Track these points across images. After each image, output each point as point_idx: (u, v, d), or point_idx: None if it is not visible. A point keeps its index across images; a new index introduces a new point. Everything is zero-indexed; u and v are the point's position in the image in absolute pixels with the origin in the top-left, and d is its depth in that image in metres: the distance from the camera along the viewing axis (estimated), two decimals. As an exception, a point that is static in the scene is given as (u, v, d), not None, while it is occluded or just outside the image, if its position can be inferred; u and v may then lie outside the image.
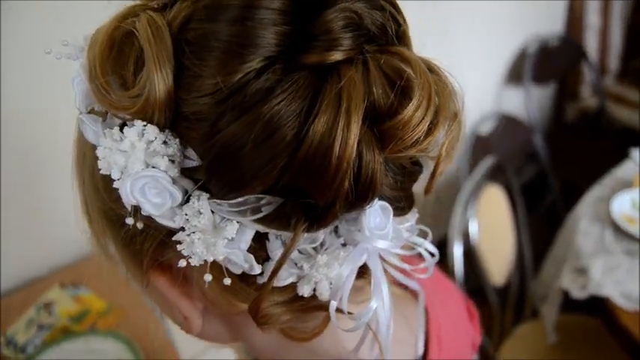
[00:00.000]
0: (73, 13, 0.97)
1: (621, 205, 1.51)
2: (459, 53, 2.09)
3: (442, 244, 1.42)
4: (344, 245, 0.36)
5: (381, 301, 0.37)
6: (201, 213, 0.33)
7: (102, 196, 0.38)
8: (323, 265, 0.35)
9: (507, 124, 2.14)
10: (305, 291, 0.36)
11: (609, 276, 1.33)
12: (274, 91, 0.30)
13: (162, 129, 0.33)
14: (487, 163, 1.55)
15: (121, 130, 0.33)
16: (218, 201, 0.33)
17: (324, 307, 0.36)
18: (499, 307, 1.61)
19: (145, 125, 0.32)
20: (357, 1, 0.32)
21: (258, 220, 0.33)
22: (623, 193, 1.55)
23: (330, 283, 0.36)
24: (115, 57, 0.34)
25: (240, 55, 0.30)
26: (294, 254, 0.35)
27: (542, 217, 2.32)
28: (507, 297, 1.67)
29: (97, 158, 0.34)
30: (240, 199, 0.32)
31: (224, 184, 0.32)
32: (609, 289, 1.30)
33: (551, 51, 2.46)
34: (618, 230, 1.45)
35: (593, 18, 2.57)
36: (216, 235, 0.33)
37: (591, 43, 2.61)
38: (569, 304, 1.47)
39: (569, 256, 1.45)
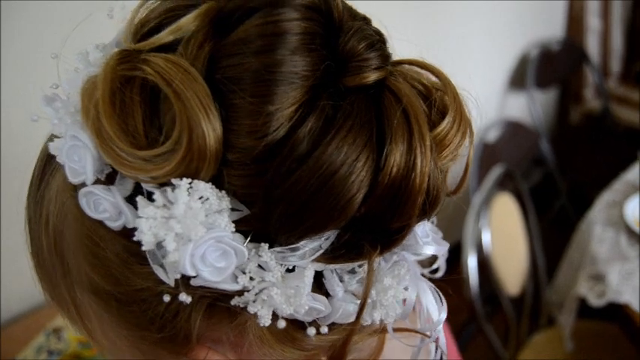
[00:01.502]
0: (73, 13, 0.96)
1: (634, 210, 1.50)
2: (460, 62, 2.08)
3: (452, 254, 1.40)
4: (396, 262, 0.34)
5: (430, 303, 0.37)
6: (266, 267, 0.29)
7: (111, 279, 0.32)
8: (389, 288, 0.33)
9: (513, 130, 2.13)
10: (376, 318, 0.33)
11: (627, 282, 1.31)
12: (333, 126, 0.28)
13: (206, 182, 0.29)
14: (496, 172, 1.54)
15: (149, 196, 0.29)
16: (279, 249, 0.30)
17: (384, 329, 0.35)
18: (514, 316, 1.59)
19: (190, 182, 0.28)
20: (356, 21, 0.32)
21: (321, 259, 0.31)
22: (634, 196, 1.54)
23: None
24: (119, 112, 0.29)
25: (283, 87, 0.28)
26: (353, 284, 0.33)
27: (552, 221, 2.30)
28: (522, 306, 1.65)
29: (95, 237, 0.31)
30: (303, 242, 0.30)
31: (287, 230, 0.29)
32: (628, 295, 1.28)
33: (553, 55, 2.45)
34: (632, 235, 1.43)
35: (593, 20, 2.57)
36: (289, 285, 0.30)
37: (592, 45, 2.60)
38: (584, 310, 1.45)
39: (585, 262, 1.43)
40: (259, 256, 0.30)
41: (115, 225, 0.30)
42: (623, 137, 2.50)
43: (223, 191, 0.29)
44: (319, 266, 0.31)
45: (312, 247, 0.30)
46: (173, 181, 0.28)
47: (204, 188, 0.28)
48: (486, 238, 1.42)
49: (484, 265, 1.42)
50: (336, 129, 0.28)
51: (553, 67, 2.46)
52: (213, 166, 0.28)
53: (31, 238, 0.38)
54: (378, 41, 0.32)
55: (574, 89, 2.72)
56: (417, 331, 0.39)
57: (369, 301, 0.32)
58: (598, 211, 1.54)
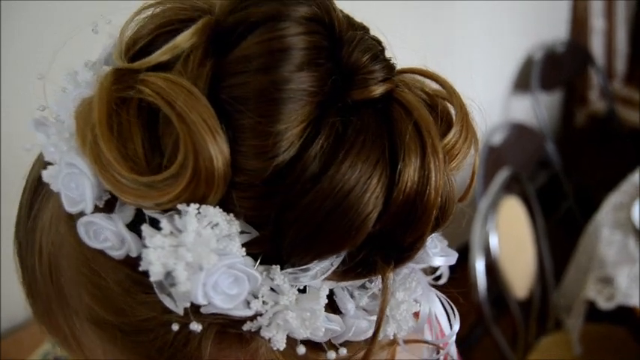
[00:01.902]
0: (73, 13, 0.95)
1: (642, 212, 1.49)
2: (463, 65, 2.08)
3: (460, 258, 1.39)
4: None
5: (441, 314, 0.37)
6: (279, 290, 0.29)
7: (114, 310, 0.31)
8: (402, 302, 0.32)
9: (518, 133, 2.12)
10: (390, 333, 0.33)
11: (636, 285, 1.30)
12: (344, 143, 0.28)
13: (214, 206, 0.27)
14: (503, 175, 1.53)
15: (153, 223, 0.27)
16: (290, 270, 0.29)
17: (396, 342, 0.35)
18: (522, 319, 1.58)
19: (198, 208, 0.26)
20: (357, 31, 0.31)
21: (333, 277, 0.30)
22: (642, 199, 1.53)
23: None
24: (117, 136, 0.27)
25: (291, 105, 0.27)
26: (364, 300, 0.32)
27: (558, 224, 2.29)
28: (530, 309, 1.64)
29: (95, 266, 0.30)
30: (315, 262, 0.29)
31: (300, 252, 0.29)
32: (637, 298, 1.27)
33: (557, 57, 2.44)
34: (641, 237, 1.42)
35: (597, 21, 2.56)
36: (304, 307, 0.29)
37: (597, 46, 2.59)
38: (591, 312, 1.45)
39: (593, 265, 1.43)
40: (271, 279, 0.29)
41: (117, 254, 0.29)
42: (628, 139, 2.49)
43: (231, 214, 0.28)
44: (331, 284, 0.30)
45: (323, 266, 0.30)
46: (179, 206, 0.27)
47: (214, 213, 0.27)
48: (494, 241, 1.42)
49: (491, 268, 1.42)
50: (348, 146, 0.28)
51: (557, 69, 2.45)
52: (222, 189, 0.27)
53: (23, 267, 0.36)
54: (380, 52, 0.31)
55: (579, 91, 2.72)
56: (429, 342, 0.39)
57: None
58: (605, 214, 1.53)
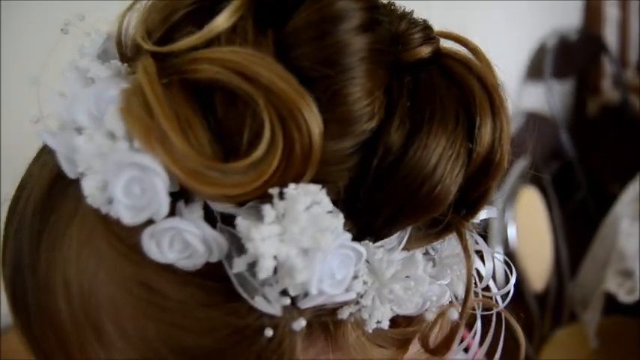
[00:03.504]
0: (73, 13, 0.94)
1: (662, 203, 1.47)
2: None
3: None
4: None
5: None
6: (379, 266, 0.27)
7: (189, 334, 0.27)
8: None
9: (531, 121, 2.10)
10: (461, 292, 0.32)
11: (658, 278, 1.28)
12: (425, 104, 0.27)
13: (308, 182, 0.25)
14: (520, 165, 1.51)
15: (224, 220, 0.25)
16: (379, 243, 0.28)
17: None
18: (538, 312, 1.56)
19: (295, 187, 0.24)
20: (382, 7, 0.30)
21: (412, 241, 0.29)
22: (662, 190, 1.51)
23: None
24: (185, 126, 0.24)
25: (370, 67, 0.26)
26: (429, 267, 0.30)
27: (572, 214, 2.27)
28: (545, 301, 1.62)
29: (156, 285, 0.26)
30: (399, 232, 0.28)
31: (390, 224, 0.27)
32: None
33: (571, 45, 2.41)
34: (661, 229, 1.40)
35: (611, 10, 2.53)
36: (405, 277, 0.28)
37: (610, 35, 2.56)
38: (606, 305, 1.43)
39: (613, 258, 1.40)
40: (377, 252, 0.27)
41: (191, 263, 0.25)
42: (640, 128, 2.46)
43: (324, 189, 0.25)
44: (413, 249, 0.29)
45: (401, 234, 0.29)
46: (270, 191, 0.24)
47: (315, 191, 0.24)
48: (512, 233, 1.40)
49: (509, 260, 1.40)
50: (430, 109, 0.27)
51: (571, 57, 2.42)
52: (316, 165, 0.25)
53: (20, 308, 0.31)
54: (412, 16, 0.31)
55: (591, 80, 2.68)
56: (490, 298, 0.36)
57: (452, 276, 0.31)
58: (625, 205, 1.51)
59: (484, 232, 0.34)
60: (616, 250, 1.41)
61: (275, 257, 0.24)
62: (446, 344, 0.32)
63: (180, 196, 0.25)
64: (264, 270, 0.24)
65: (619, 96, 2.57)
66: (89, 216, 0.28)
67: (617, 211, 1.52)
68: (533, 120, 2.10)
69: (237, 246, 0.25)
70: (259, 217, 0.24)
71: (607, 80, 2.63)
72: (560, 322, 1.69)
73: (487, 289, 0.35)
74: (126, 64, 0.28)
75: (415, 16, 0.31)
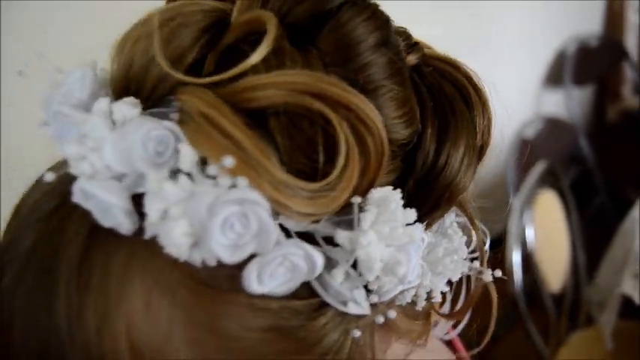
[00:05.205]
0: (73, 13, 0.96)
1: (680, 208, 1.47)
2: (496, 58, 2.06)
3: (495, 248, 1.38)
4: None
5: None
6: (430, 247, 0.30)
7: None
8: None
9: (550, 126, 2.10)
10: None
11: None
12: (444, 103, 0.31)
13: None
14: (539, 168, 1.52)
15: (304, 238, 0.25)
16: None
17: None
18: (555, 314, 1.57)
19: (377, 190, 0.27)
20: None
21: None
22: (680, 195, 1.51)
23: None
24: (282, 151, 0.25)
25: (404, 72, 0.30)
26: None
27: (590, 219, 2.27)
28: (562, 303, 1.63)
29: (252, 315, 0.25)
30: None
31: (427, 212, 0.30)
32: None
33: (591, 51, 2.41)
34: (679, 233, 1.41)
35: (633, 16, 2.52)
36: (448, 253, 0.31)
37: (632, 42, 2.55)
38: (623, 308, 1.43)
39: (630, 261, 1.41)
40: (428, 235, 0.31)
41: (289, 287, 0.25)
42: (661, 135, 2.45)
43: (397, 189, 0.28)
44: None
45: None
46: (352, 200, 0.25)
47: (391, 191, 0.27)
48: (530, 235, 1.41)
49: (526, 261, 1.41)
50: (449, 106, 0.30)
51: (591, 63, 2.42)
52: (386, 160, 0.27)
53: None
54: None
55: (612, 86, 2.68)
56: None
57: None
58: (643, 209, 1.51)
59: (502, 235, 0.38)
60: (633, 253, 1.41)
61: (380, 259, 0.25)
62: (465, 308, 0.36)
63: None
64: (373, 271, 0.25)
65: (639, 102, 2.56)
66: (153, 267, 0.25)
67: (635, 214, 1.52)
68: (553, 125, 2.11)
69: (327, 259, 0.26)
70: (347, 226, 0.26)
71: (627, 86, 2.62)
72: (577, 325, 1.70)
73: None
74: (138, 100, 0.26)
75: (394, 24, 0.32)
